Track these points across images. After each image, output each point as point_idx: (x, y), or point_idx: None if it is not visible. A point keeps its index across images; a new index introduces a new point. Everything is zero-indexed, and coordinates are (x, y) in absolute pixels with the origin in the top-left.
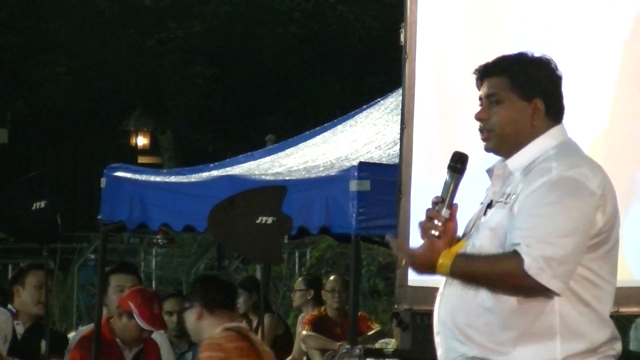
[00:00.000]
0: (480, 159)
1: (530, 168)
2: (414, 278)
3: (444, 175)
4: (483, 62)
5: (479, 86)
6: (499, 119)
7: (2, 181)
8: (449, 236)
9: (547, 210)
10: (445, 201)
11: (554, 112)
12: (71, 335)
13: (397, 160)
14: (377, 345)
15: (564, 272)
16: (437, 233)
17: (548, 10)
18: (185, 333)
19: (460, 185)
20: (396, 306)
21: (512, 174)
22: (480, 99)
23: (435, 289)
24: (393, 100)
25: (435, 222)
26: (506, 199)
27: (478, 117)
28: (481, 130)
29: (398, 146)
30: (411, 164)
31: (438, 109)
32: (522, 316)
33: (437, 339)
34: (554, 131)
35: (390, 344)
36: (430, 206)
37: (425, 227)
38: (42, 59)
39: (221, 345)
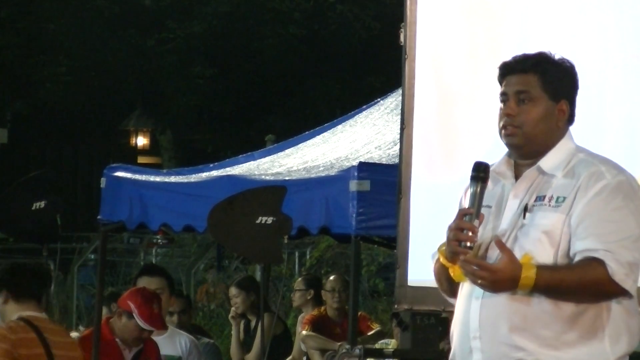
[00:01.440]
0: (480, 158)
1: (572, 170)
2: (414, 278)
3: (444, 175)
4: (483, 62)
5: (501, 82)
6: (530, 117)
7: (2, 181)
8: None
9: (617, 215)
10: (474, 212)
11: (571, 116)
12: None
13: (397, 160)
14: (377, 345)
15: (637, 276)
16: (470, 244)
17: (548, 10)
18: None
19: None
20: (396, 306)
21: (548, 175)
22: (505, 94)
23: (435, 289)
24: (393, 100)
25: (470, 233)
26: (553, 202)
27: (506, 112)
28: (505, 125)
29: (398, 146)
30: (411, 164)
31: (438, 109)
32: (580, 319)
33: (474, 344)
34: (569, 134)
35: (390, 344)
36: (431, 211)
37: (458, 239)
38: (42, 59)
39: (5, 336)
